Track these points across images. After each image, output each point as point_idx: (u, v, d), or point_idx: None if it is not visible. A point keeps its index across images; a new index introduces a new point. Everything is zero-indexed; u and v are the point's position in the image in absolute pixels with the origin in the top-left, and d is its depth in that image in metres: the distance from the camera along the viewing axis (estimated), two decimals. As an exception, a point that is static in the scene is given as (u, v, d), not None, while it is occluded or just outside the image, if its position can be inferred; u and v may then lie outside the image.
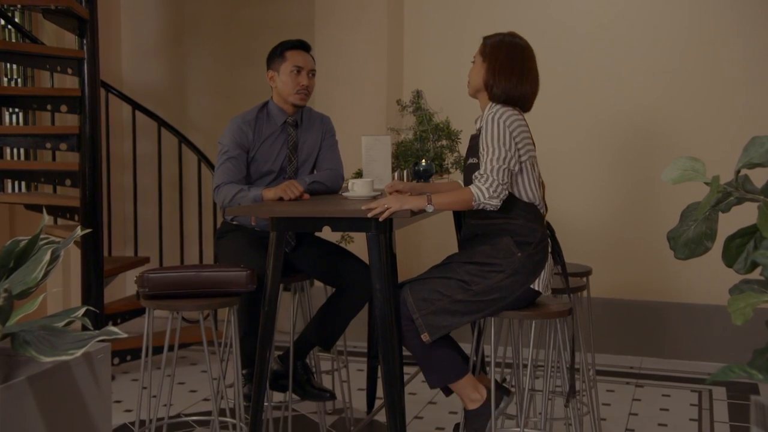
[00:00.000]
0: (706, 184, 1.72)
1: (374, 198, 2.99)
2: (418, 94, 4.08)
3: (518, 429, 2.84)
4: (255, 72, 5.00)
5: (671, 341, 4.73)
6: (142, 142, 5.36)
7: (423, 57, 5.16)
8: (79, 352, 1.61)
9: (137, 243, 5.40)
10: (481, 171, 2.73)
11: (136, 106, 5.12)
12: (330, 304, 3.35)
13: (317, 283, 3.70)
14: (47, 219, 4.88)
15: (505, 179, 2.71)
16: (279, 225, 2.81)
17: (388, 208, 2.66)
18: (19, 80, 5.31)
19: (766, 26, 4.57)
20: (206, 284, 2.86)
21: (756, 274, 1.78)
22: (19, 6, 4.60)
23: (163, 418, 3.13)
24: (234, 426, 2.99)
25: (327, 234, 3.00)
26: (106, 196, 4.91)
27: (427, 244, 5.12)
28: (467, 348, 3.02)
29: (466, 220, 2.97)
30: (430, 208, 2.74)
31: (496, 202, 2.71)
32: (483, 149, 2.75)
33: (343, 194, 3.25)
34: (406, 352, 2.86)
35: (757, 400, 1.39)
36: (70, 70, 4.24)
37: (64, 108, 4.25)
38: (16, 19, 5.05)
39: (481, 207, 2.73)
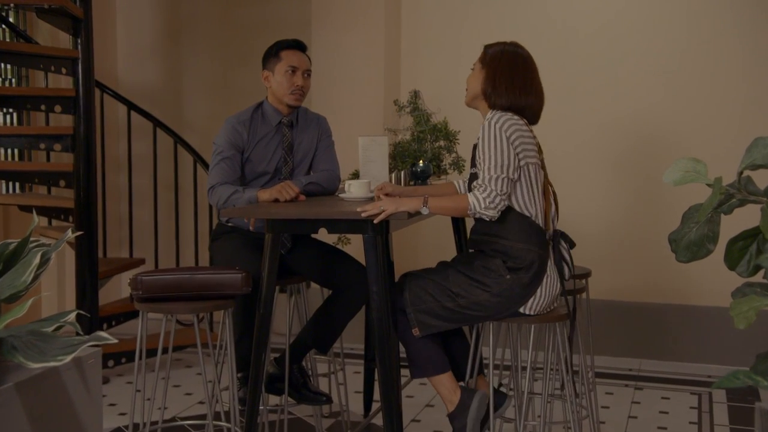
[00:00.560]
0: (708, 185, 1.69)
1: (371, 199, 2.97)
2: (415, 95, 4.06)
3: (516, 433, 2.83)
4: (251, 72, 4.97)
5: (671, 343, 4.70)
6: (137, 143, 5.32)
7: (420, 57, 5.13)
8: (68, 358, 1.58)
9: (132, 244, 5.36)
10: (480, 180, 2.70)
11: (131, 106, 5.10)
12: (326, 307, 3.32)
13: (313, 286, 3.67)
14: (41, 220, 4.91)
15: (503, 189, 2.68)
16: (275, 227, 2.79)
17: (383, 211, 2.63)
18: (13, 80, 5.28)
19: (766, 26, 4.55)
20: (201, 287, 2.83)
21: (759, 277, 1.75)
22: (12, 5, 4.56)
23: (157, 422, 3.10)
24: (229, 430, 2.96)
25: (323, 236, 2.98)
26: (100, 197, 4.88)
27: (425, 246, 5.09)
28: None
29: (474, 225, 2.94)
30: (425, 211, 2.73)
31: (492, 213, 2.68)
32: (480, 158, 2.73)
33: (340, 195, 3.22)
34: (402, 354, 2.85)
35: (762, 407, 1.36)
36: (64, 70, 4.20)
37: (58, 108, 4.22)
38: (11, 19, 5.01)
39: (477, 216, 2.72)
